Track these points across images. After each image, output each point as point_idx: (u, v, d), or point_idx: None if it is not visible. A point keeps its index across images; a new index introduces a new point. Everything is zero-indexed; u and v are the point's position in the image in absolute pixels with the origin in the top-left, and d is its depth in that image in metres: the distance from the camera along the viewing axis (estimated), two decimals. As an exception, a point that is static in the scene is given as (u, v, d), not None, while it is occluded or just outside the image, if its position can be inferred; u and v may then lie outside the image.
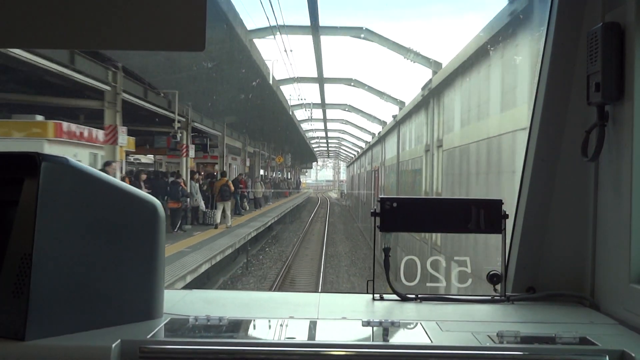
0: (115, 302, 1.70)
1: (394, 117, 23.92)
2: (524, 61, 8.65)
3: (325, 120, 43.33)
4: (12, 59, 12.07)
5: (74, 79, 14.18)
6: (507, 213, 2.12)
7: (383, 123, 28.60)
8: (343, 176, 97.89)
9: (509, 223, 2.15)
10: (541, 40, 2.20)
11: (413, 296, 2.16)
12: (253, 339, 1.76)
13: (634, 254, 1.82)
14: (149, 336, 1.61)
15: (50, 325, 1.56)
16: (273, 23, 18.69)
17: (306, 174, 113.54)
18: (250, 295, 2.43)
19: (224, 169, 28.57)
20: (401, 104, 23.26)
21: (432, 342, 1.63)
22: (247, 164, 39.40)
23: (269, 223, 27.83)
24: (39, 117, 15.77)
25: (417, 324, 1.83)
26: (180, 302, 2.05)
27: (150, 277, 1.76)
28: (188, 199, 20.65)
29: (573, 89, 2.10)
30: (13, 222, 1.59)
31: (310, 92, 49.73)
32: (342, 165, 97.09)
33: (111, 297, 1.69)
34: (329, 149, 76.98)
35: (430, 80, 15.68)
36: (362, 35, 19.03)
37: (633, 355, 1.54)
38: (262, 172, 47.13)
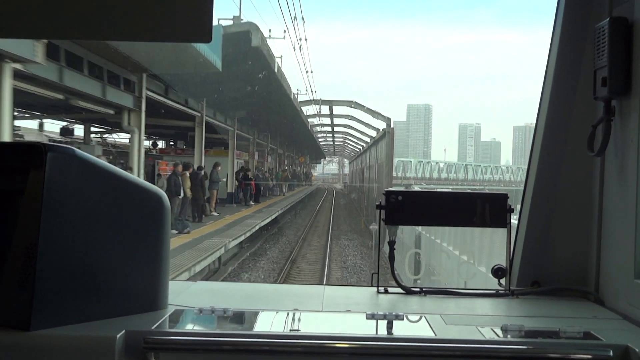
0: (120, 293, 1.67)
1: (367, 143, 47.90)
2: (383, 144, 32.86)
3: (332, 117, 50.84)
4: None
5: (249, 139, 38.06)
6: (512, 207, 2.09)
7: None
8: (346, 170, 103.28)
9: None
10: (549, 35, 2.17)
11: (417, 289, 2.12)
12: (257, 330, 1.72)
13: (638, 250, 1.78)
14: (153, 327, 1.59)
15: (55, 315, 1.53)
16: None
17: (315, 168, 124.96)
18: (255, 287, 2.50)
19: (279, 166, 53.03)
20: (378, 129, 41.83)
21: (436, 335, 1.61)
22: (285, 163, 62.67)
23: (302, 197, 51.96)
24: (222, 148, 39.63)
25: (421, 317, 1.79)
26: (184, 293, 2.03)
27: (156, 268, 1.74)
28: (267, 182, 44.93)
29: (580, 83, 2.06)
30: (19, 212, 1.55)
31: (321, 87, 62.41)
32: (345, 162, 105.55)
33: (116, 287, 1.66)
34: (335, 151, 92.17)
35: (374, 136, 39.96)
36: (353, 105, 37.61)
37: (637, 350, 1.50)
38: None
